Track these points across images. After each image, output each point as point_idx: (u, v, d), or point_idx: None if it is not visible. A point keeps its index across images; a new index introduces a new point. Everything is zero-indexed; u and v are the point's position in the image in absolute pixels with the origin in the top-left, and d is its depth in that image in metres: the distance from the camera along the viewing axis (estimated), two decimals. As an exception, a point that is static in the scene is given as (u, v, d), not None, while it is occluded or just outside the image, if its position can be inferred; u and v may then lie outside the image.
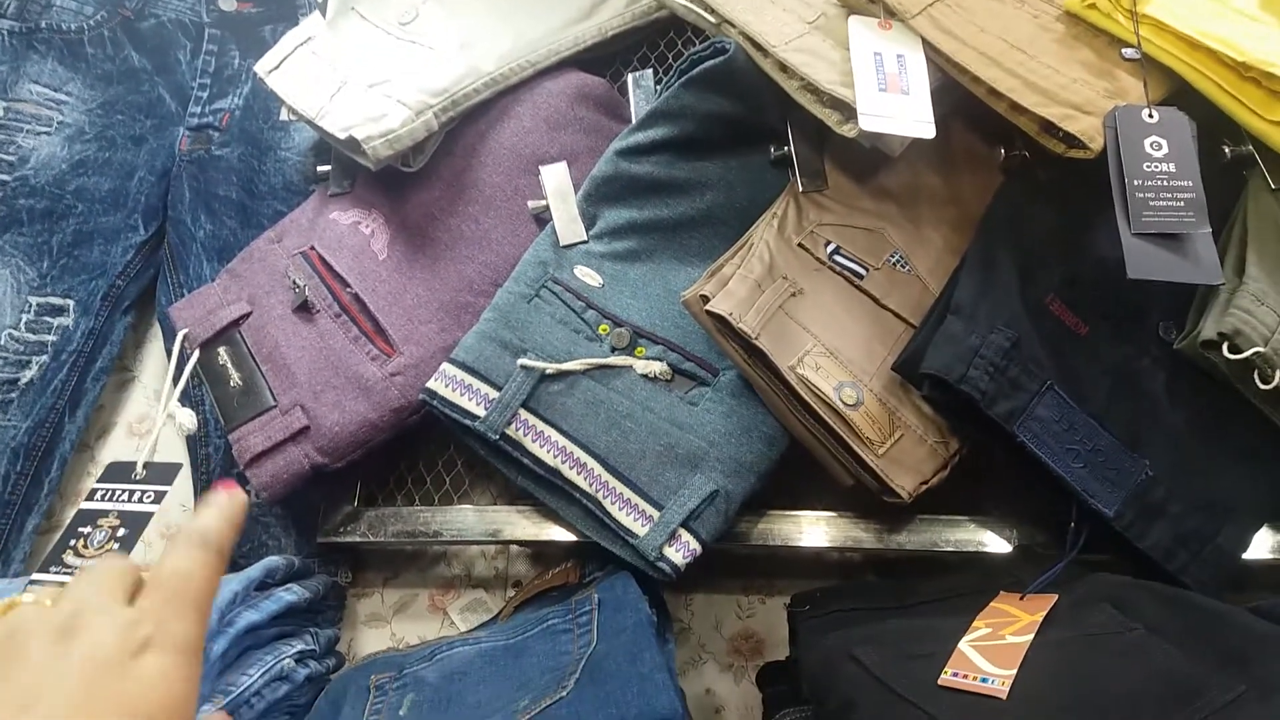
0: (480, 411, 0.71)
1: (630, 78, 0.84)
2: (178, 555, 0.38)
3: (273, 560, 0.71)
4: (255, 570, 0.69)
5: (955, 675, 0.54)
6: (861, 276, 0.72)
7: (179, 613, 0.36)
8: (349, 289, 0.81)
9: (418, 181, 0.83)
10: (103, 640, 0.34)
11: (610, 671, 0.58)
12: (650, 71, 0.84)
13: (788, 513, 0.74)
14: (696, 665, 0.79)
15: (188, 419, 0.78)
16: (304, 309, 0.81)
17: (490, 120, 0.83)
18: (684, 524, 0.66)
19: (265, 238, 0.85)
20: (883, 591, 0.69)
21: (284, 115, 0.95)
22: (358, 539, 0.79)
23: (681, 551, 0.66)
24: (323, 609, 0.81)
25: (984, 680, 0.53)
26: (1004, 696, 0.52)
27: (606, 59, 0.89)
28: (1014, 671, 0.53)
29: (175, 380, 0.77)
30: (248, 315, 0.80)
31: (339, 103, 0.80)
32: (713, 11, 0.73)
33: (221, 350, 0.79)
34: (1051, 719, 0.50)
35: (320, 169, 0.88)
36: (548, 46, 0.84)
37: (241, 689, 0.63)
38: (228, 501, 0.41)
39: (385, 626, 0.84)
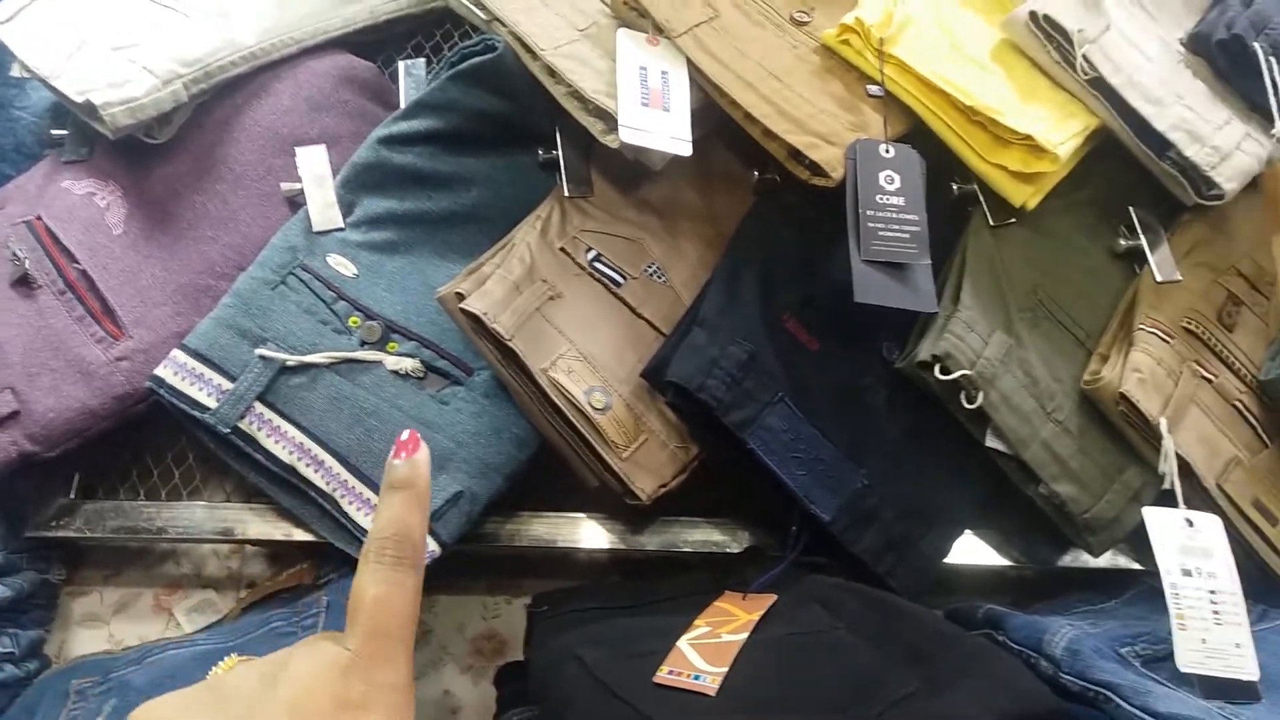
0: (211, 403, 0.67)
1: (401, 65, 0.82)
2: (376, 581, 0.34)
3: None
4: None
5: (671, 673, 0.56)
6: (619, 284, 0.73)
7: (389, 656, 0.33)
8: (77, 264, 0.74)
9: (162, 154, 0.77)
10: (314, 697, 0.32)
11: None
12: (423, 60, 0.82)
13: (536, 514, 0.74)
14: (436, 667, 0.78)
15: None
16: (23, 283, 0.74)
17: (247, 95, 0.78)
18: (424, 524, 0.65)
19: (-17, 202, 0.77)
20: (619, 592, 0.70)
21: (16, 71, 0.86)
22: (73, 534, 0.73)
23: (419, 552, 0.65)
24: (29, 608, 0.74)
25: (696, 678, 0.55)
26: (713, 693, 0.54)
27: (379, 44, 0.86)
28: (725, 669, 0.56)
29: None
30: (-49, 285, 0.72)
31: (77, 63, 0.74)
32: (483, 8, 0.72)
33: (-87, 323, 0.70)
34: (751, 713, 0.52)
35: (55, 133, 0.80)
36: (315, 25, 0.80)
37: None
38: (414, 476, 0.35)
39: (103, 627, 0.77)
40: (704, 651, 0.58)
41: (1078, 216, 0.78)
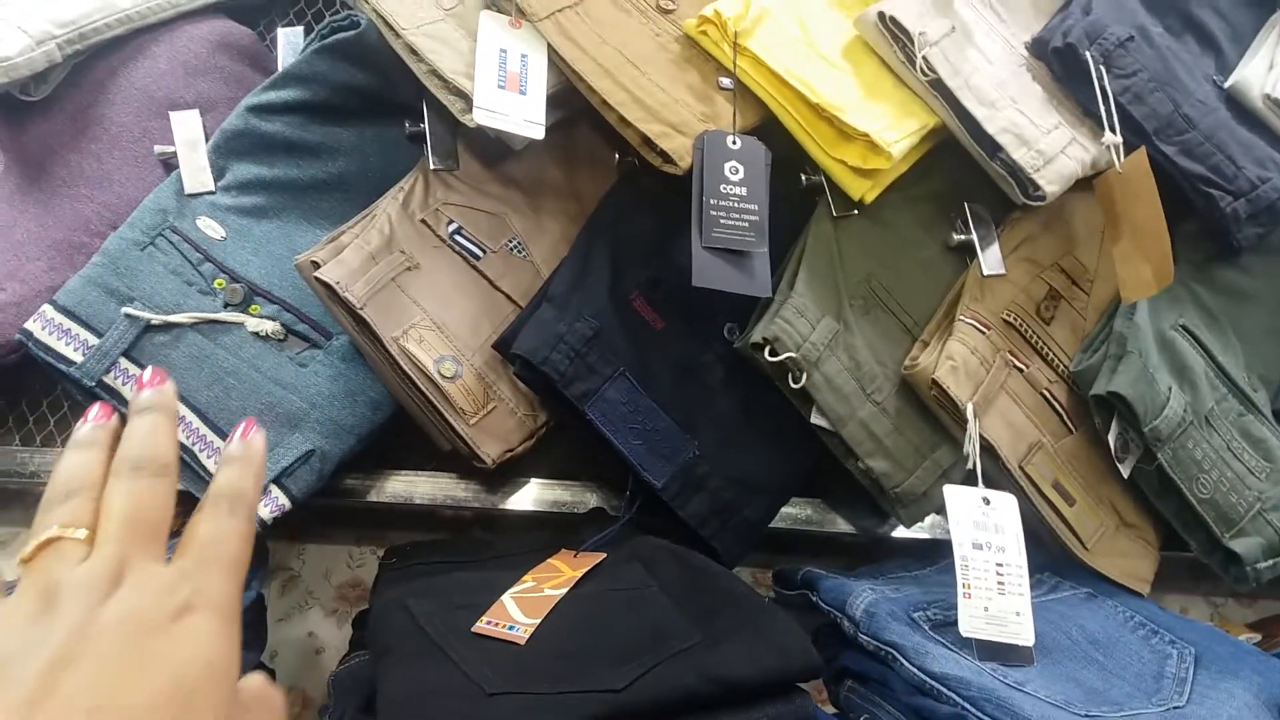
0: (77, 358, 0.70)
1: (281, 33, 0.84)
2: (209, 519, 0.36)
3: None
4: None
5: (489, 623, 0.61)
6: (479, 258, 0.77)
7: (217, 575, 0.35)
8: (-50, 216, 0.76)
9: (38, 112, 0.79)
10: (143, 602, 0.33)
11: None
12: (301, 29, 0.84)
13: (396, 471, 0.79)
14: (302, 610, 0.83)
15: None
16: (-104, 231, 0.75)
17: (124, 57, 0.80)
18: (275, 480, 0.69)
19: None
20: (465, 547, 0.75)
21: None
22: (-53, 477, 0.75)
23: (270, 506, 0.69)
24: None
25: (510, 628, 0.61)
26: (522, 642, 0.59)
27: (261, 8, 0.88)
28: (538, 621, 0.61)
29: None
30: None
31: (-49, 18, 0.75)
32: (349, -16, 0.75)
33: None
34: (553, 660, 0.58)
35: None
36: (194, -12, 0.82)
37: None
38: (250, 451, 0.39)
39: (-17, 567, 0.81)
40: (524, 604, 0.63)
41: (916, 210, 0.83)
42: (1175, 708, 0.64)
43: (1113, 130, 0.78)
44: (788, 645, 0.56)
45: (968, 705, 0.61)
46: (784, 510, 0.82)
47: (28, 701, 0.29)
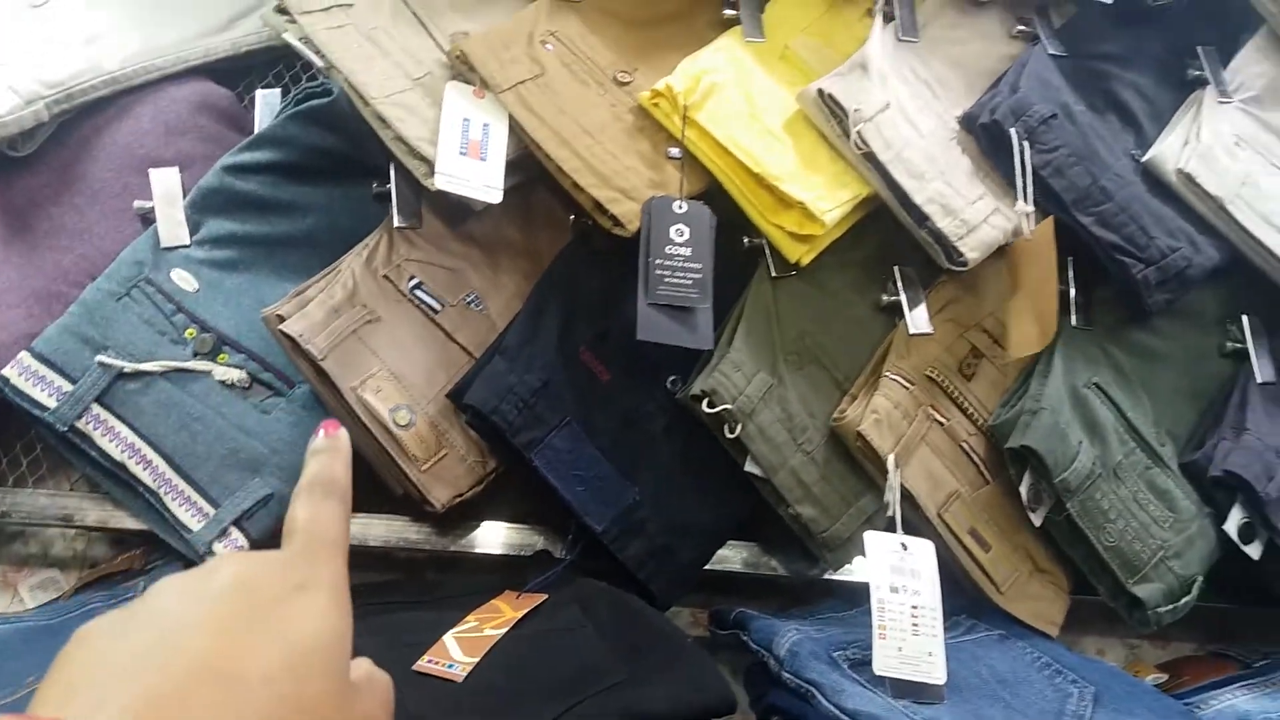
0: (51, 403, 0.74)
1: (259, 94, 0.89)
2: (306, 505, 0.37)
3: None
4: None
5: (430, 662, 0.66)
6: (437, 311, 0.82)
7: (323, 555, 0.35)
8: (-65, 265, 0.80)
9: (25, 167, 0.84)
10: (257, 578, 0.33)
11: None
12: (279, 91, 0.90)
13: (354, 515, 0.83)
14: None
15: None
16: (-116, 277, 0.80)
17: (109, 116, 0.85)
18: (236, 522, 0.74)
19: None
20: (415, 588, 0.80)
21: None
22: (-77, 513, 0.79)
23: (230, 547, 0.73)
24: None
25: (450, 666, 0.65)
26: (460, 680, 0.64)
27: (242, 70, 0.93)
28: (476, 659, 0.66)
29: None
30: None
31: (-55, 79, 0.80)
32: (322, 56, 0.80)
33: None
34: (486, 697, 0.62)
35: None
36: (177, 54, 0.87)
37: None
38: (336, 444, 0.39)
39: (-45, 599, 0.84)
40: (464, 644, 0.68)
41: (850, 273, 0.89)
42: (1071, 745, 0.69)
43: (1026, 201, 0.84)
44: (705, 683, 0.61)
45: (875, 741, 0.66)
46: (723, 553, 0.87)
47: (154, 659, 0.30)
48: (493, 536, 0.85)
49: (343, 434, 0.40)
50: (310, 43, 0.79)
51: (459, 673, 0.64)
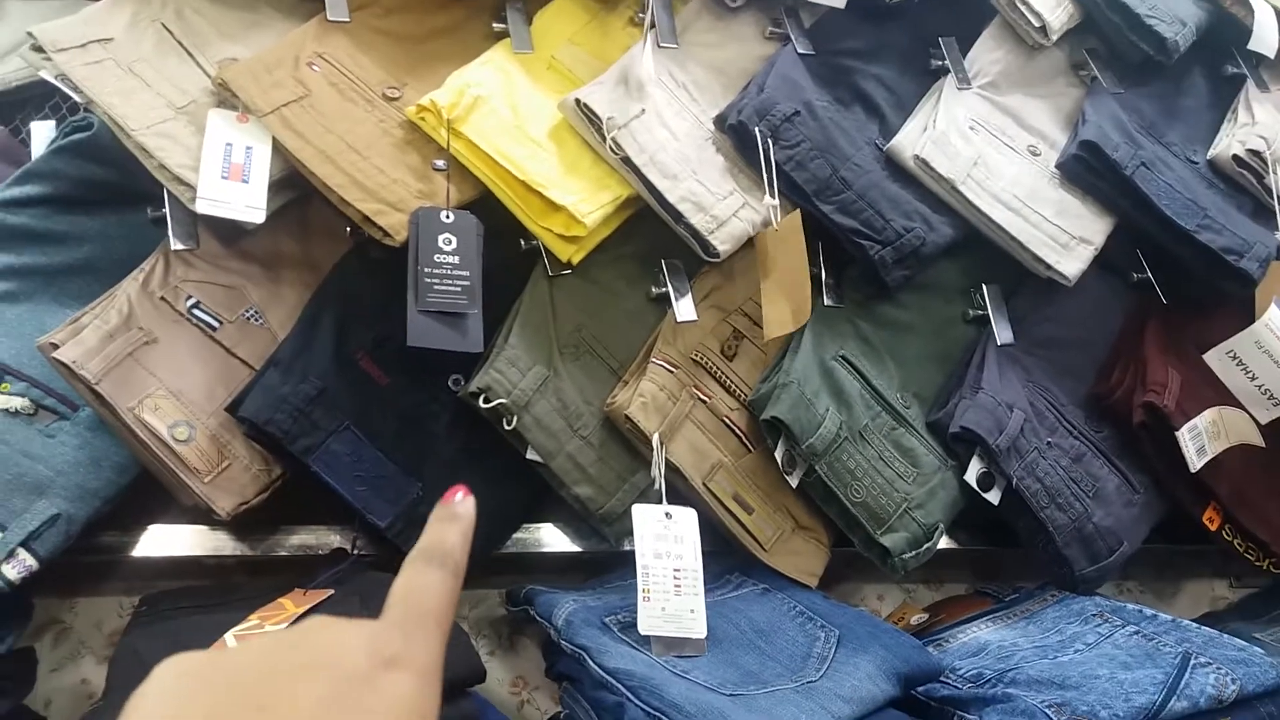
0: None
1: (34, 126, 0.91)
2: (415, 573, 0.36)
3: None
4: None
5: (207, 660, 0.70)
6: (215, 328, 0.86)
7: (421, 630, 0.34)
8: None
9: None
10: (346, 652, 0.32)
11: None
12: (53, 123, 0.91)
13: (158, 525, 0.86)
14: (75, 659, 0.89)
15: None
16: None
17: (-126, 155, 0.86)
18: (23, 544, 0.76)
19: None
20: (216, 592, 0.83)
21: None
22: None
23: (17, 568, 0.76)
24: None
25: (226, 662, 0.69)
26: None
27: (17, 103, 0.94)
28: (252, 654, 0.70)
29: None
30: None
31: None
32: (80, 92, 0.82)
33: None
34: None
35: None
36: (-58, 89, 0.88)
37: None
38: (455, 511, 0.38)
39: None
40: (244, 641, 0.72)
41: (623, 267, 0.95)
42: (809, 682, 0.77)
43: (772, 194, 0.91)
44: (453, 658, 0.67)
45: (628, 693, 0.73)
46: (520, 535, 0.93)
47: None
48: (290, 538, 0.89)
49: (467, 502, 0.39)
50: (67, 79, 0.81)
51: (233, 668, 0.68)
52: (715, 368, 0.93)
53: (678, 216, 0.91)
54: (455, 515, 0.38)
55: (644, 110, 0.93)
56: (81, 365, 0.78)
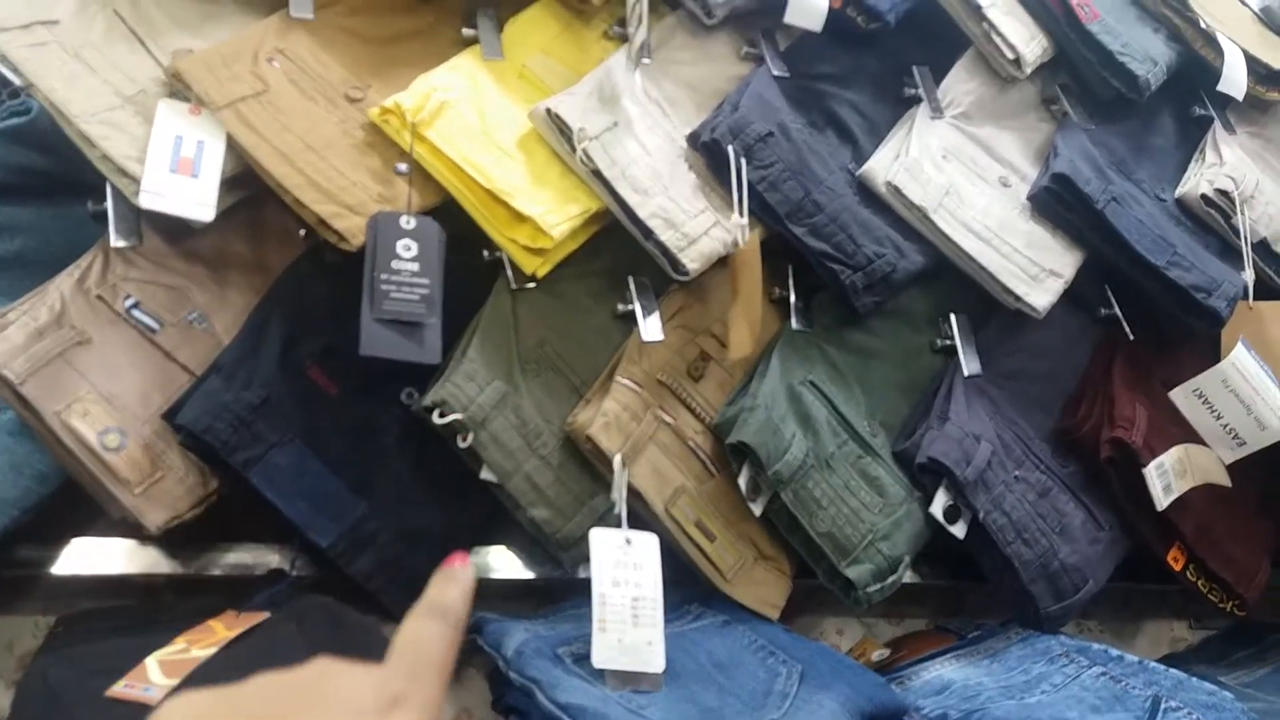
0: None
1: (-32, 112, 0.85)
2: (420, 625, 0.37)
3: None
4: None
5: (126, 686, 0.65)
6: (155, 331, 0.81)
7: (426, 676, 0.35)
8: None
9: None
10: (356, 693, 0.33)
11: None
12: (-10, 109, 0.86)
13: (81, 539, 0.81)
14: (-17, 683, 0.83)
15: None
16: None
17: None
18: (-67, 554, 0.71)
19: None
20: (140, 612, 0.78)
21: None
22: None
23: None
24: None
25: (146, 690, 0.64)
26: (155, 704, 0.63)
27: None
28: (176, 682, 0.65)
29: None
30: None
31: None
32: (19, 74, 0.78)
33: None
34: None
35: None
36: None
37: None
38: (456, 575, 0.39)
39: None
40: (166, 666, 0.67)
41: (589, 282, 0.92)
42: (771, 720, 0.73)
43: (741, 214, 0.89)
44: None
45: (580, 731, 0.68)
46: (475, 560, 0.89)
47: None
48: (225, 556, 0.83)
49: (467, 568, 0.41)
50: (6, 60, 0.77)
51: (155, 696, 0.63)
52: (681, 389, 0.90)
53: (647, 233, 0.88)
54: (456, 578, 0.40)
55: (616, 123, 0.90)
56: (4, 364, 0.73)
